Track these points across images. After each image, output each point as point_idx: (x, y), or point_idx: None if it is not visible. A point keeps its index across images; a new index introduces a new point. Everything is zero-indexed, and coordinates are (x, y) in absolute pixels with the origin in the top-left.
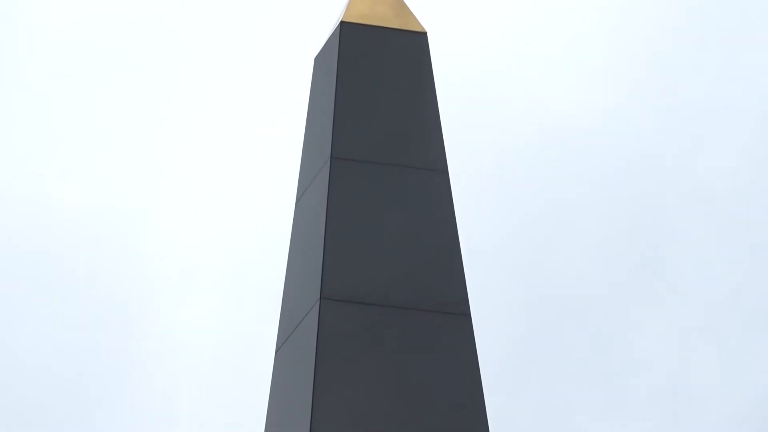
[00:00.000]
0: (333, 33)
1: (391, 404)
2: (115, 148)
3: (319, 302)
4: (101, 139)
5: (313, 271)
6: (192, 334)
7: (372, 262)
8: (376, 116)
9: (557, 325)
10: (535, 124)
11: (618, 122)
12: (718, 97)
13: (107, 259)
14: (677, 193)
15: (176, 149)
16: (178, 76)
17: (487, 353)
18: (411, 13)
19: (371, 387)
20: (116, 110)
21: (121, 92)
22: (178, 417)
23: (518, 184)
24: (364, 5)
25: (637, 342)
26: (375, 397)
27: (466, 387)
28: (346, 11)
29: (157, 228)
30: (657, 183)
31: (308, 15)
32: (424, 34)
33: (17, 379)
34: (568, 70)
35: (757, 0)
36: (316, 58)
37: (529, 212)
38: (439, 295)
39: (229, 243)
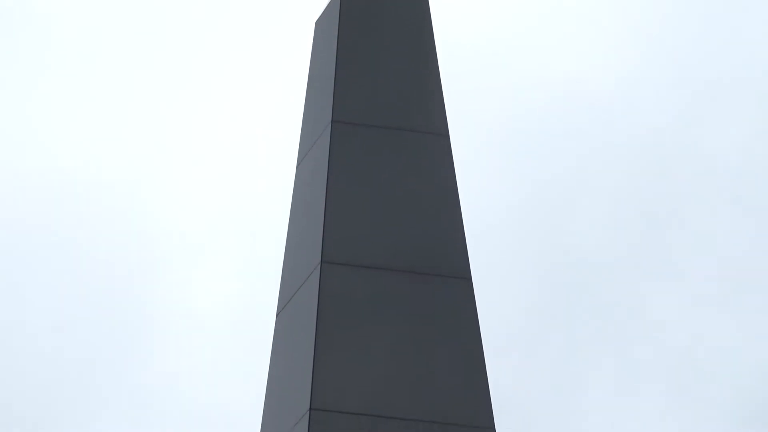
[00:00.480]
0: None
1: (392, 367)
2: (125, 118)
3: (320, 266)
4: (112, 109)
5: (314, 234)
6: (205, 303)
7: (373, 225)
8: (377, 80)
9: (568, 294)
10: (547, 93)
11: (629, 92)
12: (727, 69)
13: (118, 232)
14: (688, 163)
15: (186, 118)
16: (187, 46)
17: (497, 322)
18: None
19: (372, 350)
20: (125, 78)
21: (131, 61)
22: (193, 387)
23: (529, 151)
24: None
25: (648, 311)
26: (376, 360)
27: (466, 350)
28: None
29: (168, 198)
30: (667, 153)
31: None
32: None
33: (25, 356)
34: (580, 39)
35: None
36: (317, 22)
37: (539, 180)
38: (440, 259)
39: (241, 211)
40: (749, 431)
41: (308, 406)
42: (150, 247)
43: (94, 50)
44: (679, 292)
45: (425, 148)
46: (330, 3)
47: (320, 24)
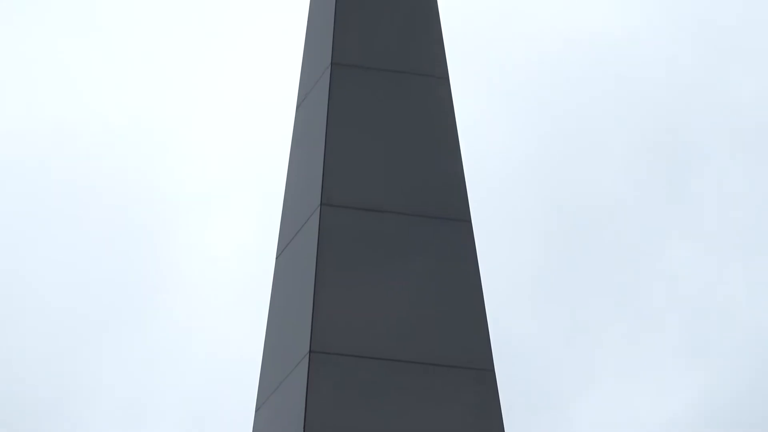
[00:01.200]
0: None
1: (391, 309)
2: (144, 64)
3: (319, 208)
4: (127, 54)
5: (314, 177)
6: (222, 250)
7: (372, 168)
8: (377, 22)
9: (584, 239)
10: (558, 39)
11: (643, 38)
12: (748, 16)
13: (134, 180)
14: (704, 110)
15: (204, 66)
16: None
17: (509, 272)
18: None
19: (371, 292)
20: (148, 25)
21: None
22: (209, 334)
23: (540, 99)
24: None
25: (662, 260)
26: (375, 302)
27: (466, 292)
28: None
29: (184, 146)
30: (685, 97)
31: None
32: None
33: (36, 311)
34: None
35: None
36: None
37: (555, 125)
38: (440, 201)
39: (257, 156)
40: (763, 380)
41: (308, 349)
42: (166, 195)
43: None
44: (694, 240)
45: (425, 91)
46: None
47: None
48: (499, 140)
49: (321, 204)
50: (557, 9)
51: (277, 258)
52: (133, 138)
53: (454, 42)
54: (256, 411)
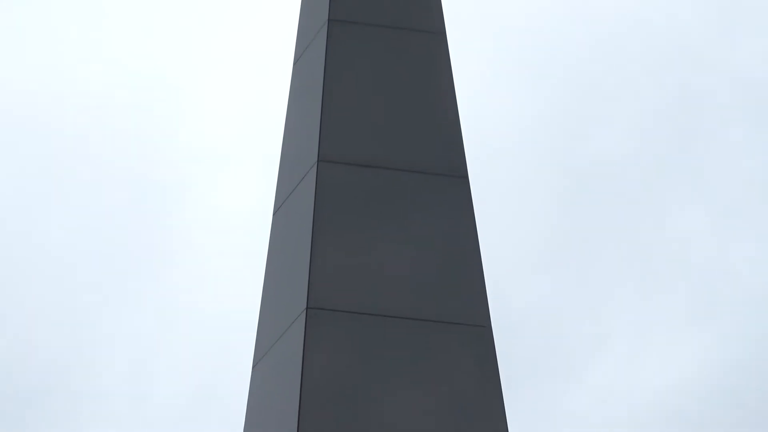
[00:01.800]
0: None
1: (389, 266)
2: (153, 19)
3: (316, 164)
4: (134, 15)
5: (311, 133)
6: (231, 209)
7: (369, 124)
8: None
9: (593, 200)
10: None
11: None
12: None
13: (143, 139)
14: (715, 73)
15: (215, 20)
16: None
17: (522, 229)
18: None
19: (369, 248)
20: None
21: None
22: (218, 292)
23: (553, 57)
24: None
25: (674, 218)
26: (372, 258)
27: (463, 247)
28: None
29: (194, 104)
30: (693, 63)
31: None
32: None
33: (48, 270)
34: None
35: None
36: None
37: (564, 87)
38: (437, 157)
39: (267, 114)
40: None
41: (305, 305)
42: (176, 153)
43: None
44: (705, 204)
45: (422, 47)
46: None
47: None
48: (507, 100)
49: (318, 160)
50: None
51: (274, 214)
52: (143, 95)
53: None
54: (253, 367)
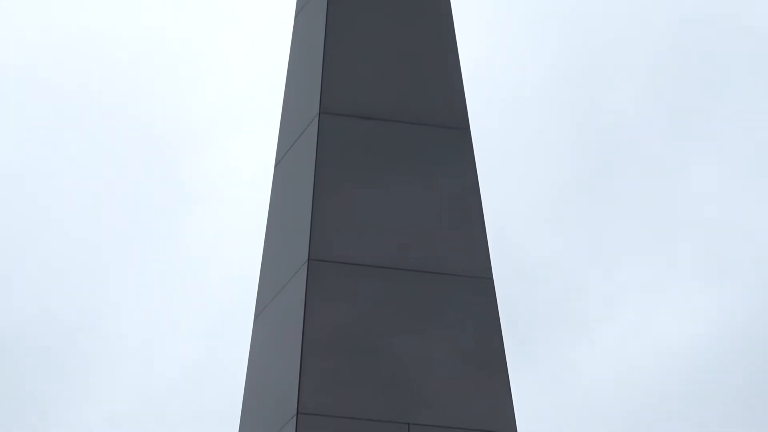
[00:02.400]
0: None
1: (390, 218)
2: None
3: (318, 116)
4: None
5: (313, 85)
6: (247, 171)
7: (371, 76)
8: None
9: (605, 159)
10: None
11: None
12: None
13: (157, 104)
14: (730, 33)
15: None
16: None
17: (534, 187)
18: None
19: (370, 200)
20: None
21: None
22: (233, 254)
23: (565, 17)
24: None
25: (688, 178)
26: (373, 210)
27: (464, 200)
28: None
29: (209, 66)
30: (708, 22)
31: None
32: None
33: (52, 229)
34: None
35: None
36: None
37: (575, 47)
38: (438, 110)
39: (281, 76)
40: None
41: (307, 257)
42: (191, 116)
43: None
44: (718, 162)
45: (424, 1)
46: None
47: None
48: (522, 58)
49: (320, 112)
50: None
51: (275, 166)
52: (158, 54)
53: None
54: (255, 318)
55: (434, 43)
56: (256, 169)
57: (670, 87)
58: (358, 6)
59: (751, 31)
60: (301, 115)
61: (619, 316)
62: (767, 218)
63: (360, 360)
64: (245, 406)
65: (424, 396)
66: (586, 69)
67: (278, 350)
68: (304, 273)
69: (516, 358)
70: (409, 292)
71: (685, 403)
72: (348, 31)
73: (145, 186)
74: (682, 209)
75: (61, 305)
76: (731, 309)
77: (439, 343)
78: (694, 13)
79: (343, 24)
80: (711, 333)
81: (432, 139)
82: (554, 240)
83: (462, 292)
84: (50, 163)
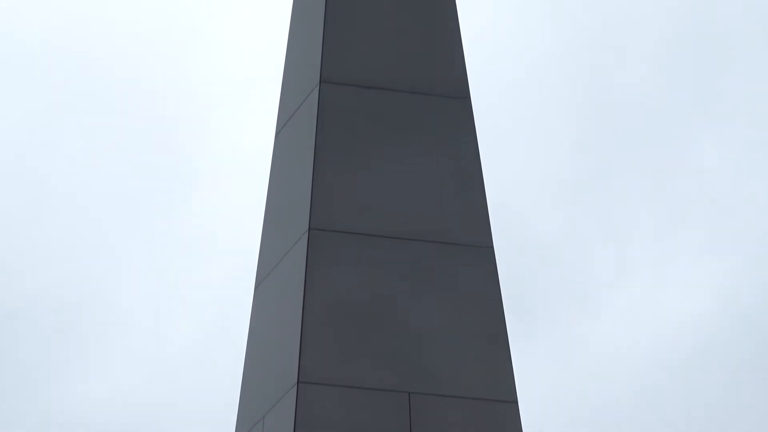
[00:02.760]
0: None
1: (390, 187)
2: None
3: (318, 86)
4: None
5: (313, 54)
6: (252, 144)
7: (372, 45)
8: None
9: (613, 134)
10: None
11: None
12: None
13: (167, 78)
14: (740, 3)
15: None
16: None
17: (543, 162)
18: None
19: (371, 169)
20: None
21: None
22: (238, 227)
23: None
24: None
25: (696, 151)
26: (374, 180)
27: (465, 168)
28: None
29: (217, 40)
30: None
31: None
32: None
33: (58, 205)
34: None
35: None
36: None
37: (583, 19)
38: (439, 78)
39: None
40: None
41: (307, 227)
42: (198, 89)
43: None
44: (725, 135)
45: None
46: None
47: None
48: (528, 31)
49: (320, 81)
50: None
51: (276, 135)
52: (168, 26)
53: None
54: (256, 287)
55: (435, 13)
56: (260, 143)
57: (680, 61)
58: None
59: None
60: (302, 84)
61: (625, 290)
62: None
63: (360, 329)
64: (246, 375)
65: (425, 365)
66: (594, 42)
67: (279, 320)
68: (305, 242)
69: (523, 332)
70: (409, 261)
71: (691, 377)
72: (348, 1)
73: (150, 161)
74: (690, 182)
75: (68, 280)
76: (738, 284)
77: (439, 312)
78: None
79: None
80: (720, 304)
81: (432, 109)
82: (561, 215)
83: (462, 261)
84: (55, 141)
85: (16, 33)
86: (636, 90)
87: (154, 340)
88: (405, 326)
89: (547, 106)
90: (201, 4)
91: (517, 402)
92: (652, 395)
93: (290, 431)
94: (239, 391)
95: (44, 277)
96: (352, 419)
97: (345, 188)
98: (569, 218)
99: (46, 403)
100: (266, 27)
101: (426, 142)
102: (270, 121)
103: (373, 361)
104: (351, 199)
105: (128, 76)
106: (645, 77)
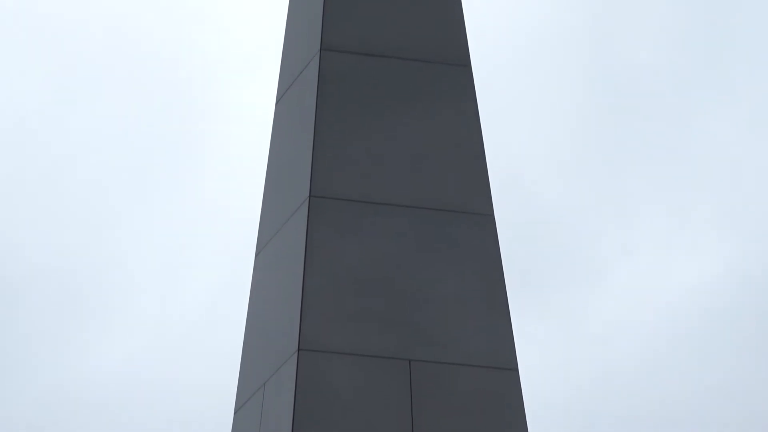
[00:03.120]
0: None
1: (391, 154)
2: None
3: (319, 53)
4: None
5: (314, 22)
6: (259, 112)
7: (372, 13)
8: None
9: (620, 107)
10: None
11: None
12: None
13: (176, 44)
14: None
15: None
16: None
17: (553, 132)
18: None
19: (371, 137)
20: None
21: None
22: (246, 192)
23: None
24: None
25: (703, 125)
26: (374, 147)
27: (466, 135)
28: None
29: (225, 10)
30: None
31: None
32: None
33: (67, 172)
34: None
35: None
36: None
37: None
38: (439, 45)
39: None
40: None
41: (308, 194)
42: (205, 57)
43: None
44: (733, 110)
45: None
46: None
47: None
48: (537, 11)
49: (321, 48)
50: None
51: (276, 103)
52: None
53: None
54: (256, 255)
55: None
56: (268, 109)
57: (688, 32)
58: None
59: None
60: (303, 52)
61: (633, 260)
62: None
63: (361, 296)
64: (246, 343)
65: (426, 332)
66: (601, 12)
67: (279, 287)
68: (306, 210)
69: (528, 301)
70: (410, 228)
71: (697, 346)
72: None
73: (160, 128)
74: (696, 155)
75: (78, 247)
76: (741, 255)
77: (440, 279)
78: None
79: None
80: (725, 278)
81: (433, 76)
82: (568, 185)
83: (463, 229)
84: (63, 107)
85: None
86: (645, 60)
87: (164, 308)
88: (405, 293)
89: (553, 75)
90: None
91: (517, 369)
92: (659, 363)
93: (291, 399)
94: (239, 358)
95: (53, 244)
96: (352, 386)
97: (346, 155)
98: (576, 188)
99: (50, 376)
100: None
101: (426, 109)
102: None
103: (374, 328)
104: (352, 166)
105: (135, 37)
106: (654, 47)
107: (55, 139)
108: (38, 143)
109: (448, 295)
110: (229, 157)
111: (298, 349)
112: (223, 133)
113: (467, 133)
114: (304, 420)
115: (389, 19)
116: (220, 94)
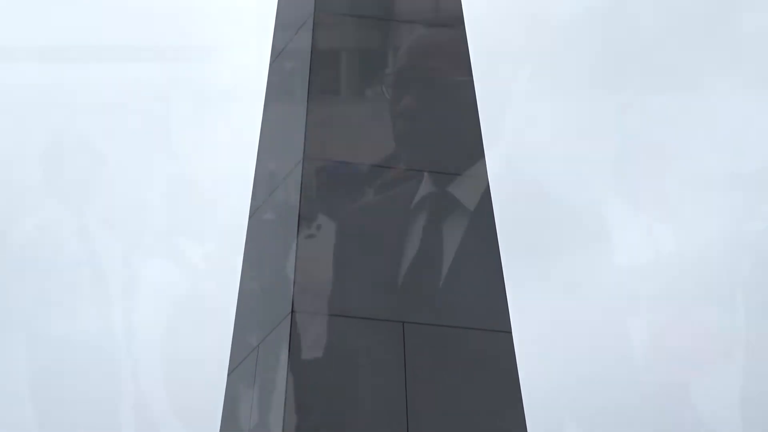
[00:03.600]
0: None
1: (385, 120)
2: None
3: (313, 15)
4: None
5: None
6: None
7: None
8: None
9: (624, 75)
10: None
11: None
12: None
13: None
14: None
15: None
16: None
17: (556, 103)
18: None
19: (364, 102)
20: None
21: None
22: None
23: None
24: None
25: (703, 92)
26: (368, 113)
27: (461, 101)
28: None
29: None
30: None
31: None
32: None
33: (65, 140)
34: None
35: None
36: None
37: None
38: (433, 8)
39: None
40: None
41: (302, 156)
42: (203, 25)
43: None
44: (736, 76)
45: None
46: None
47: None
48: None
49: (314, 10)
50: None
51: (270, 65)
52: None
53: None
54: (250, 217)
55: None
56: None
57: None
58: None
59: None
60: (296, 14)
61: (636, 226)
62: None
63: (354, 259)
64: (240, 305)
65: (419, 294)
66: None
67: (272, 249)
68: (299, 172)
69: (529, 266)
70: (403, 191)
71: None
72: None
73: (160, 97)
74: (698, 121)
75: (82, 215)
76: (744, 217)
77: (434, 242)
78: None
79: None
80: (724, 241)
81: (428, 35)
82: (575, 153)
83: (457, 192)
84: (64, 74)
85: None
86: (644, 23)
87: (164, 273)
88: (399, 256)
89: (556, 41)
90: None
91: (511, 332)
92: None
93: (284, 360)
94: (233, 320)
95: (52, 214)
96: (346, 348)
97: (339, 118)
98: (582, 155)
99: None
100: None
101: (419, 74)
102: None
103: (368, 290)
104: (346, 128)
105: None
106: (654, 10)
107: (52, 107)
108: (38, 109)
109: (441, 258)
110: (232, 125)
111: (292, 311)
112: (229, 88)
113: (461, 95)
114: (298, 381)
115: None
116: (225, 51)
